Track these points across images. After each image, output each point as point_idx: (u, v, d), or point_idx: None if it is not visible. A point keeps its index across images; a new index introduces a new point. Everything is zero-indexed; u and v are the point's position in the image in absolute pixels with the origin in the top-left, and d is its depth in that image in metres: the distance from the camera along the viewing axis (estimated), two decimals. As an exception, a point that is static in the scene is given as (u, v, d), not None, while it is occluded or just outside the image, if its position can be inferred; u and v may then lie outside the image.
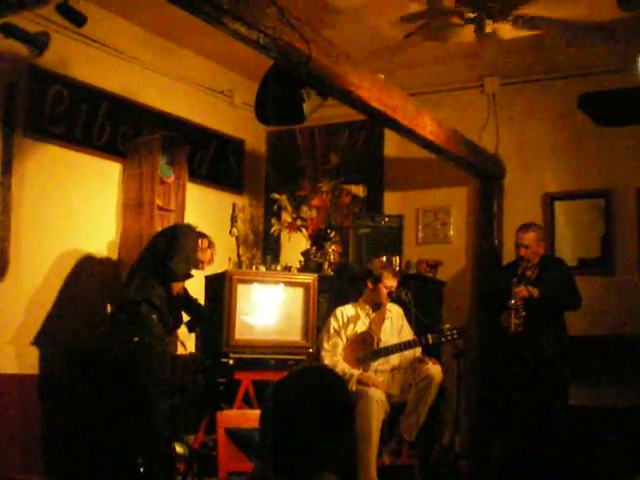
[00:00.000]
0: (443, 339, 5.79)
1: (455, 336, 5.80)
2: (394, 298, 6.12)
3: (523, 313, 5.99)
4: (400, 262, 7.16)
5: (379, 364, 6.01)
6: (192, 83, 7.47)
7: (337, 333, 6.02)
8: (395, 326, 6.18)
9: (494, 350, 6.52)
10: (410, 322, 6.18)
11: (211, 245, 6.16)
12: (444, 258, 7.35)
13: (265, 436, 2.18)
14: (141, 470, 5.41)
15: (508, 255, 6.96)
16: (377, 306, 6.13)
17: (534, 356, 6.07)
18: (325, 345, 6.00)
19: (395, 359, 6.05)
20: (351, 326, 6.04)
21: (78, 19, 5.40)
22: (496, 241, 7.27)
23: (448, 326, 5.82)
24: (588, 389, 6.48)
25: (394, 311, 6.23)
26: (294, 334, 6.03)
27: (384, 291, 6.03)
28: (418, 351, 6.04)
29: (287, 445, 2.13)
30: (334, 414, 2.17)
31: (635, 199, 6.83)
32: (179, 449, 5.89)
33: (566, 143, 7.13)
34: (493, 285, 6.64)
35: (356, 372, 5.82)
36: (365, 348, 5.99)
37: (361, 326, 6.06)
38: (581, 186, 7.07)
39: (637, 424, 6.21)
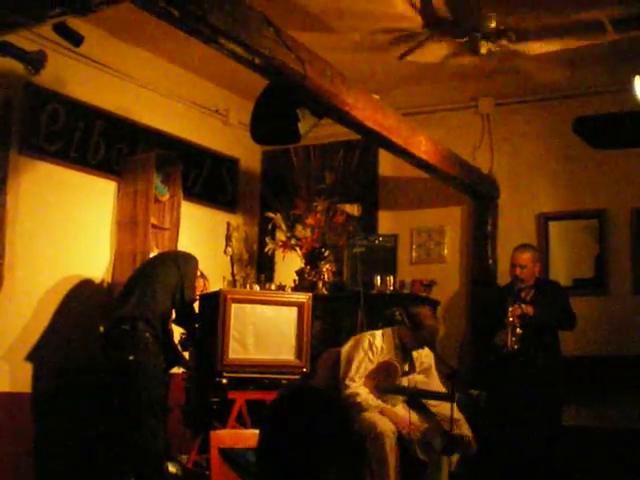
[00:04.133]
0: (469, 404, 5.59)
1: (482, 404, 5.60)
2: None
3: (519, 331, 6.01)
4: (394, 282, 7.17)
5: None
6: (187, 102, 7.48)
7: (366, 360, 5.84)
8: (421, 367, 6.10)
9: (488, 370, 6.51)
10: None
11: (203, 275, 6.22)
12: (438, 278, 7.34)
13: (260, 458, 2.20)
14: (134, 489, 5.40)
15: (502, 275, 6.98)
16: (406, 353, 5.98)
17: (528, 376, 6.07)
18: (352, 373, 5.81)
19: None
20: (377, 355, 5.88)
21: (75, 39, 5.42)
22: (490, 261, 7.28)
23: (476, 392, 5.62)
24: (582, 410, 6.48)
25: (422, 354, 6.09)
26: (288, 353, 6.01)
27: (419, 339, 5.93)
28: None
29: (277, 462, 2.15)
30: (327, 436, 2.18)
31: (629, 220, 6.85)
32: (172, 468, 5.87)
33: (560, 164, 7.15)
34: (489, 305, 6.65)
35: (381, 404, 5.72)
36: (387, 379, 5.89)
37: (385, 357, 5.90)
38: (575, 206, 7.09)
39: (631, 445, 6.20)
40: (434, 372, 6.10)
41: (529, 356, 6.08)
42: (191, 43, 4.40)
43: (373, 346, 5.87)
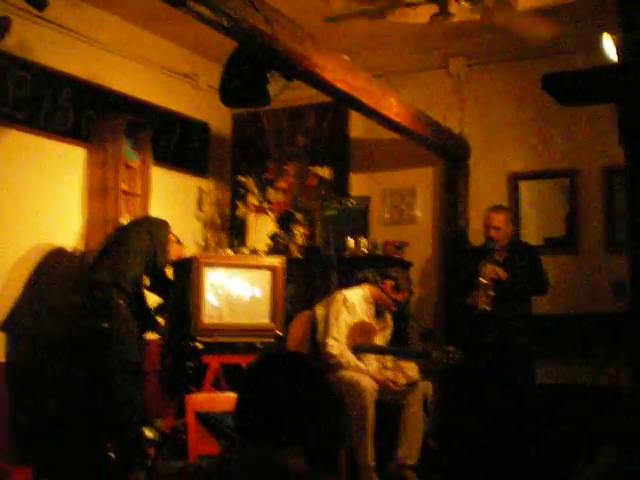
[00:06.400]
0: (445, 360, 5.72)
1: (456, 361, 5.72)
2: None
3: (491, 292, 6.05)
4: (367, 243, 7.19)
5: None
6: (156, 66, 7.41)
7: (345, 319, 5.94)
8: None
9: (461, 330, 6.55)
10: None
11: (179, 241, 6.21)
12: (410, 239, 7.38)
13: (238, 417, 2.22)
14: (111, 455, 5.41)
15: (474, 235, 7.01)
16: (379, 311, 6.15)
17: (500, 336, 6.12)
18: (334, 332, 5.89)
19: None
20: (353, 313, 6.01)
21: (39, 3, 5.32)
22: (462, 221, 7.31)
23: (452, 349, 5.74)
24: (554, 367, 6.55)
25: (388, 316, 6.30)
26: (262, 317, 6.03)
27: (392, 300, 6.07)
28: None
29: (255, 424, 2.18)
30: (305, 397, 2.21)
31: (600, 178, 6.88)
32: (149, 433, 5.88)
33: (531, 123, 7.16)
34: (462, 266, 6.68)
35: (362, 366, 5.85)
36: (364, 338, 5.98)
37: (360, 315, 6.05)
38: (546, 166, 7.11)
39: (602, 400, 6.28)
40: (388, 332, 6.26)
41: (501, 316, 6.12)
42: (158, 6, 4.36)
43: (347, 302, 5.93)
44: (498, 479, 5.74)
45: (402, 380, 5.88)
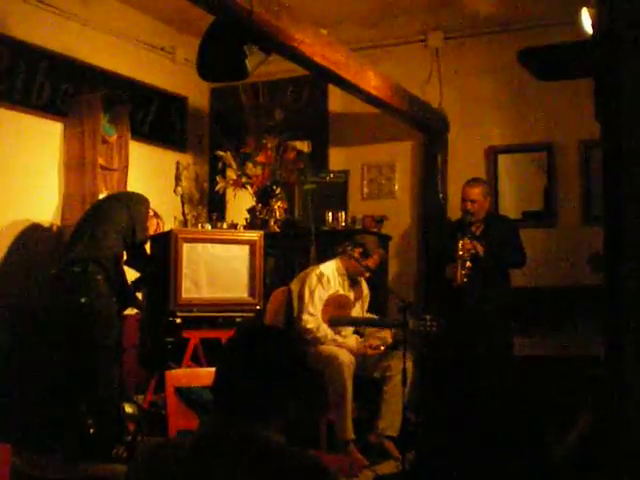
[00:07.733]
0: (422, 328, 5.73)
1: (434, 328, 5.73)
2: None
3: (469, 265, 6.06)
4: (345, 217, 7.20)
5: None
6: (133, 40, 7.36)
7: (320, 294, 5.94)
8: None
9: (440, 304, 6.58)
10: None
11: (157, 215, 6.19)
12: (389, 213, 7.39)
13: (215, 390, 2.23)
14: (91, 431, 5.41)
15: (452, 209, 7.02)
16: (353, 280, 6.15)
17: (478, 308, 6.15)
18: (310, 308, 5.89)
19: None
20: (328, 287, 6.01)
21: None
22: (440, 195, 7.32)
23: (430, 317, 5.74)
24: (532, 340, 6.59)
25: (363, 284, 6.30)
26: (241, 291, 6.04)
27: (364, 267, 6.06)
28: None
29: (234, 397, 2.19)
30: (283, 370, 2.22)
31: (577, 151, 6.92)
32: (128, 409, 5.88)
33: (509, 97, 7.17)
34: (440, 240, 6.69)
35: (339, 339, 5.87)
36: (340, 311, 6.00)
37: (335, 288, 6.06)
38: (524, 139, 7.14)
39: (579, 372, 6.33)
40: (365, 303, 6.29)
41: (479, 290, 6.14)
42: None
43: (322, 277, 5.94)
44: (475, 451, 5.78)
45: (377, 342, 5.91)
